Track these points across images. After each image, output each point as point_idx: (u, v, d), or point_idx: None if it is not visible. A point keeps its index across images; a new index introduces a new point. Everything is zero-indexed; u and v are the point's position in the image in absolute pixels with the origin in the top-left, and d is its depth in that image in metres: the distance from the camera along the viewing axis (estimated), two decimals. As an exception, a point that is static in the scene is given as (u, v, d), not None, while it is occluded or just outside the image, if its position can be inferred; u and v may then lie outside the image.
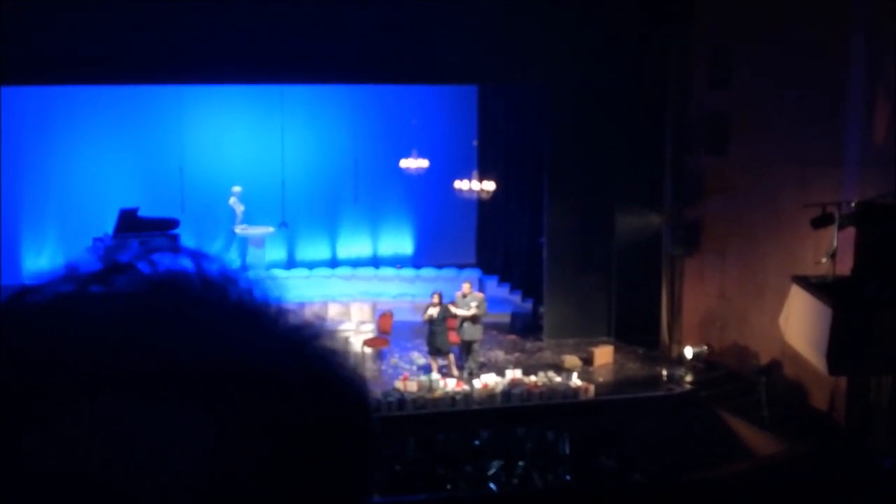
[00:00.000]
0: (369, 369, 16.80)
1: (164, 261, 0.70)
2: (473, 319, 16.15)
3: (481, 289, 19.29)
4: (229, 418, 0.63)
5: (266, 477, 0.63)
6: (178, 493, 0.60)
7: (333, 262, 21.68)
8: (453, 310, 16.16)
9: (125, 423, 0.61)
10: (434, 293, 16.56)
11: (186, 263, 0.70)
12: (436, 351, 16.29)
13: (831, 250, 11.25)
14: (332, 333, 0.72)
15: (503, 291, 20.91)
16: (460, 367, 16.32)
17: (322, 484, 0.66)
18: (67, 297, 0.67)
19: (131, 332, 0.64)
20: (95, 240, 18.46)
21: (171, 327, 0.64)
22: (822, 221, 11.74)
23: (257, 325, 0.69)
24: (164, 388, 0.62)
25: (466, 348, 16.34)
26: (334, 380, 0.70)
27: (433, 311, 16.10)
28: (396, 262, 21.68)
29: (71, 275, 0.69)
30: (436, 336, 16.17)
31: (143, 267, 0.69)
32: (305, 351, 0.69)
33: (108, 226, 18.59)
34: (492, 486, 12.80)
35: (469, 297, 16.29)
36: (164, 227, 18.71)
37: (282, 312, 0.70)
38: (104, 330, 0.64)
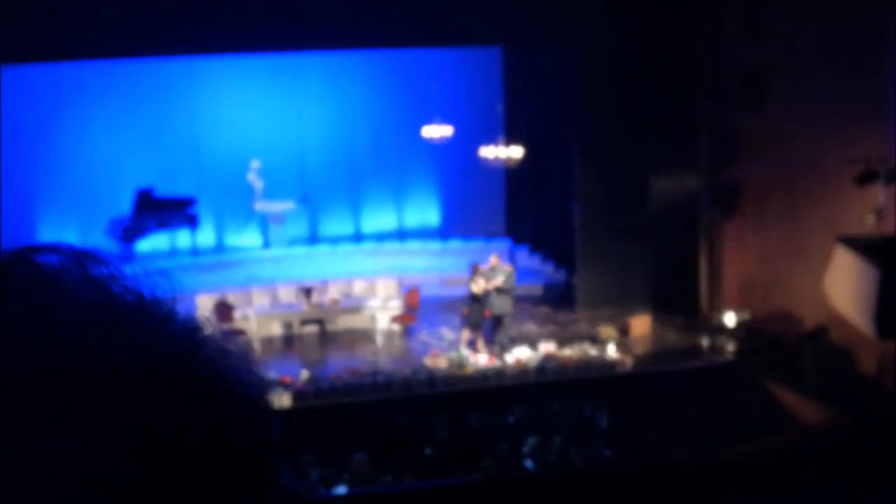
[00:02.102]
0: (397, 346, 16.74)
1: (48, 260, 0.66)
2: (499, 291, 15.72)
3: (512, 259, 19.08)
4: (101, 431, 0.58)
5: (147, 491, 0.59)
6: None
7: (357, 237, 21.46)
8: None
9: None
10: (473, 265, 16.08)
11: (70, 264, 0.66)
12: (474, 325, 15.89)
13: (877, 208, 10.79)
14: (229, 334, 0.69)
15: (535, 261, 20.63)
16: (491, 342, 15.96)
17: (214, 493, 0.62)
18: None
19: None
20: (112, 220, 18.46)
21: (43, 331, 0.61)
22: (866, 178, 11.53)
23: (142, 326, 0.65)
24: (29, 400, 0.58)
25: (497, 322, 16.04)
26: (224, 384, 0.66)
27: (485, 283, 15.64)
28: (422, 234, 21.36)
29: None
30: (477, 310, 15.74)
31: (22, 269, 0.65)
32: (192, 355, 0.66)
33: (125, 206, 18.70)
34: (528, 463, 12.63)
35: (497, 270, 15.90)
36: (182, 205, 18.85)
37: (172, 313, 0.67)
38: None
